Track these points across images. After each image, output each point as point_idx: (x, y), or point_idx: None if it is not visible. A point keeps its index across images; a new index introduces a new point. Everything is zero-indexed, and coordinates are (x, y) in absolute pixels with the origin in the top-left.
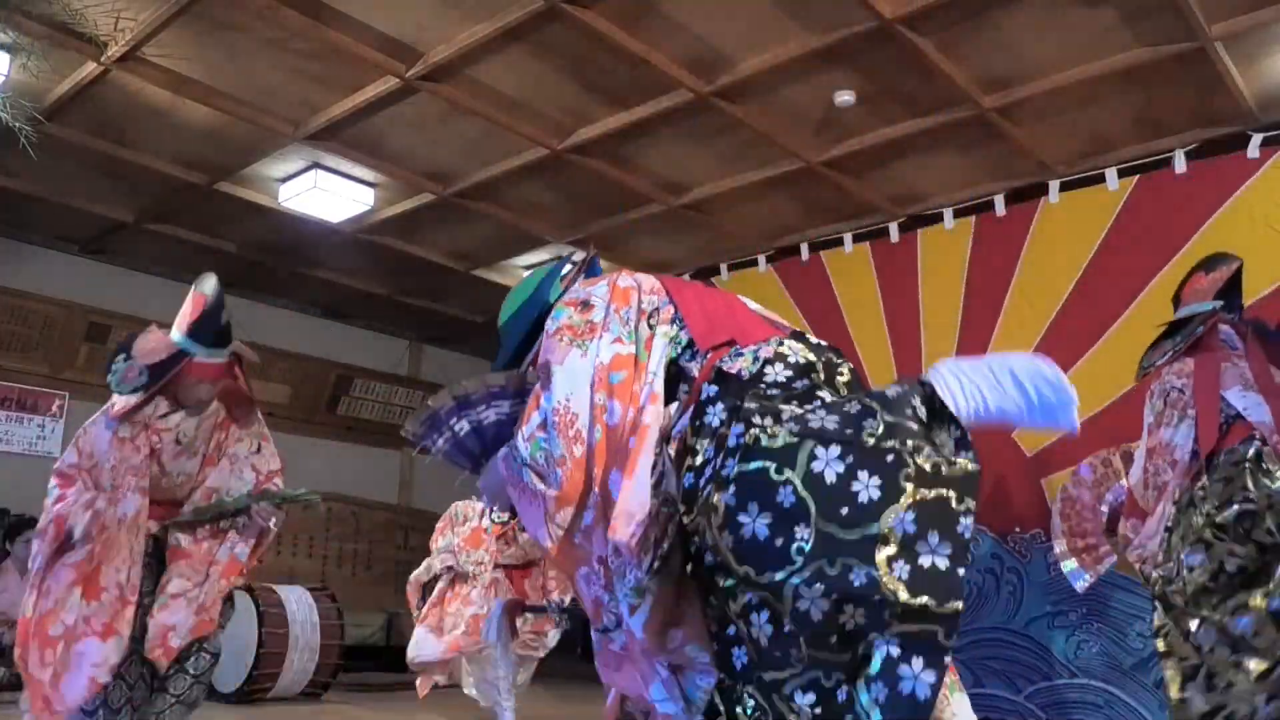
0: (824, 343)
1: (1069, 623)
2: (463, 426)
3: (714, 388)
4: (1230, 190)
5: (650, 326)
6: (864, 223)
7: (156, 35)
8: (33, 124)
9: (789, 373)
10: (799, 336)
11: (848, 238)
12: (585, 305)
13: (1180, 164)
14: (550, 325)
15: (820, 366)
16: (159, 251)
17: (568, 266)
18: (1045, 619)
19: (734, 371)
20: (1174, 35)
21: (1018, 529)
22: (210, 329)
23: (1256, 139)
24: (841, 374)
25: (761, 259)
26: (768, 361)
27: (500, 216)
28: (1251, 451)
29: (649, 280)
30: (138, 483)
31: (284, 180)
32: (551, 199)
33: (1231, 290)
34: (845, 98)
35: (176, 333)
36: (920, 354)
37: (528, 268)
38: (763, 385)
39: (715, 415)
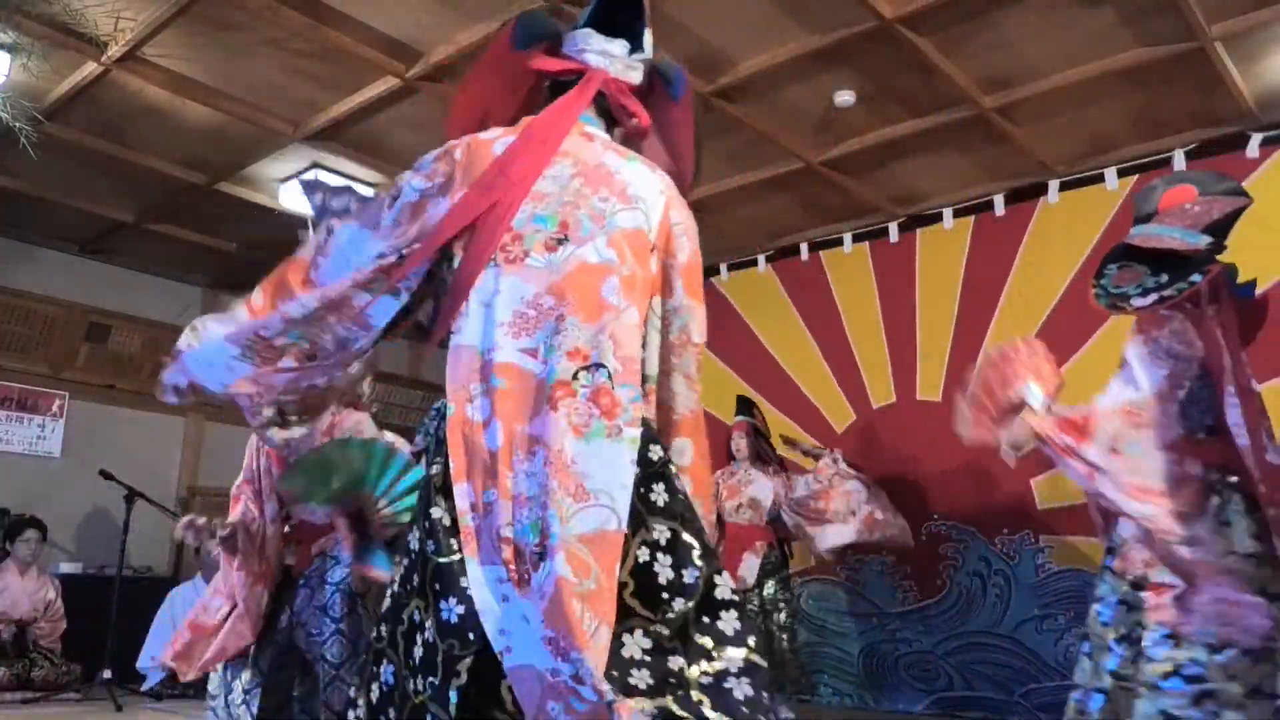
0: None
1: (1058, 625)
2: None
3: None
4: None
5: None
6: (864, 223)
7: (156, 35)
8: (33, 124)
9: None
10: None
11: (847, 238)
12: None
13: (1180, 164)
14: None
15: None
16: (159, 251)
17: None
18: (1034, 622)
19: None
20: (1174, 35)
21: (1005, 530)
22: None
23: (1256, 139)
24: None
25: (761, 259)
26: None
27: None
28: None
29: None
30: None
31: (284, 180)
32: None
33: (1225, 231)
34: (845, 98)
35: None
36: (915, 353)
37: None
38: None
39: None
